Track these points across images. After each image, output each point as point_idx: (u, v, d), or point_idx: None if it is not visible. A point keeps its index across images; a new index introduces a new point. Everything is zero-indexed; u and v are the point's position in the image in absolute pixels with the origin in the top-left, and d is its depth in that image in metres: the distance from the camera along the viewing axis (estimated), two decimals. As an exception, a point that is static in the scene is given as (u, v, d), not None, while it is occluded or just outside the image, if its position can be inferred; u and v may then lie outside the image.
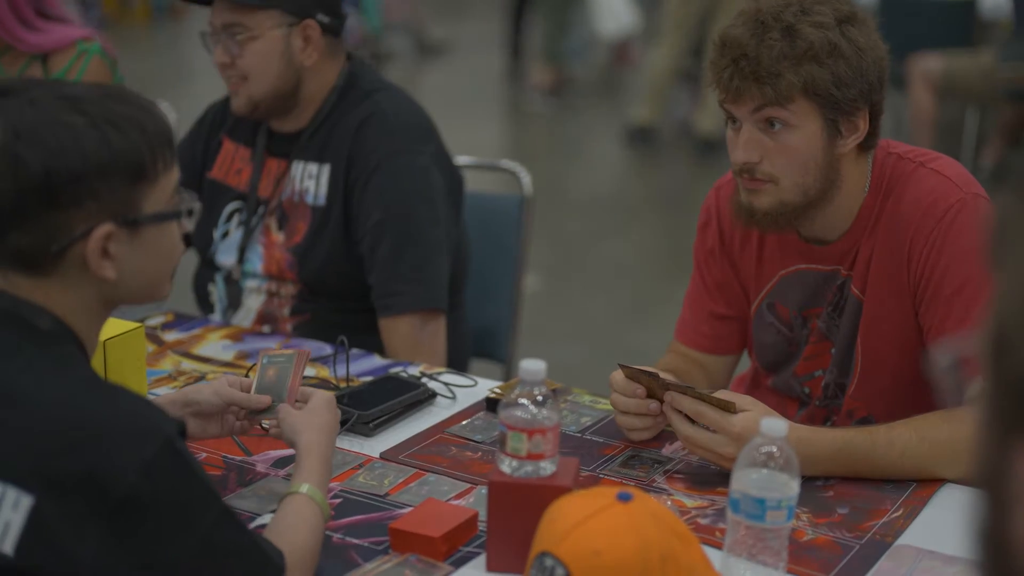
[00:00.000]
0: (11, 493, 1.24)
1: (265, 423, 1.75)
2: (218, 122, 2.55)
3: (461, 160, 2.93)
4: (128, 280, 1.35)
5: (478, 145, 7.72)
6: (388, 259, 2.34)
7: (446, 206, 2.41)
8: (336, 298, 2.40)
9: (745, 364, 2.17)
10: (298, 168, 2.42)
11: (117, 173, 1.30)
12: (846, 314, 1.92)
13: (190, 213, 1.41)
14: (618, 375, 1.83)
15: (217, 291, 2.51)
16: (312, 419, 1.63)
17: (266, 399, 1.71)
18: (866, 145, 1.86)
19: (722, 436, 1.70)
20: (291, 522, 1.49)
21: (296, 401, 1.70)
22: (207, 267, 2.53)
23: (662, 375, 1.79)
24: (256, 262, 2.45)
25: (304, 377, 2.13)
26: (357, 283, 2.39)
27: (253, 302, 2.46)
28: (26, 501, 1.23)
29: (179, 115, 3.27)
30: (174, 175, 1.38)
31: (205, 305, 2.53)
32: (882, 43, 1.81)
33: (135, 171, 1.32)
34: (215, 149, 2.54)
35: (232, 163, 2.51)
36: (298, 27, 2.32)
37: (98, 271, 1.31)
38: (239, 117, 2.45)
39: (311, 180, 2.40)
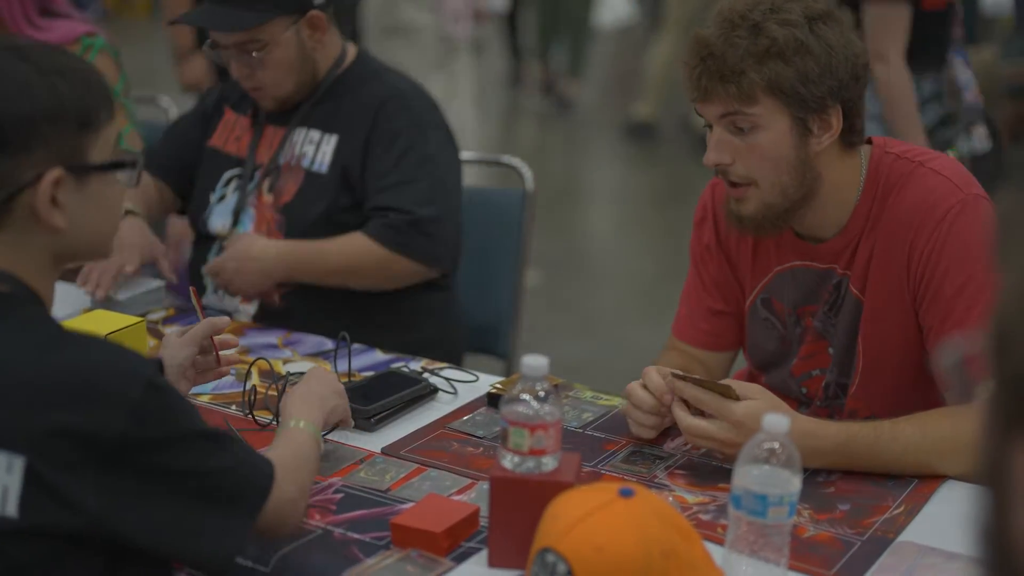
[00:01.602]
0: (2, 458, 1.25)
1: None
2: (223, 97, 2.63)
3: (463, 156, 2.93)
4: (77, 231, 1.36)
5: (480, 141, 7.70)
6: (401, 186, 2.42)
7: (456, 175, 2.53)
8: None
9: (742, 362, 2.17)
10: (300, 134, 2.49)
11: (65, 119, 1.32)
12: (844, 314, 1.92)
13: (134, 165, 1.42)
14: (652, 372, 1.81)
15: None
16: (297, 388, 1.70)
17: (225, 319, 1.85)
18: (849, 142, 1.85)
19: (722, 423, 1.70)
20: (283, 440, 1.58)
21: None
22: (202, 242, 2.57)
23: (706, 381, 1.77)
24: (247, 224, 2.50)
25: (304, 374, 2.14)
26: None
27: None
28: (19, 463, 1.25)
29: (180, 109, 3.27)
30: (114, 128, 1.40)
31: (199, 286, 2.55)
32: (857, 41, 1.81)
33: (82, 119, 1.34)
34: (216, 120, 2.61)
35: (232, 131, 2.58)
36: (303, 20, 2.38)
37: (48, 219, 1.32)
38: (245, 94, 2.54)
39: (311, 146, 2.47)
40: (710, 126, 1.83)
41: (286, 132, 2.50)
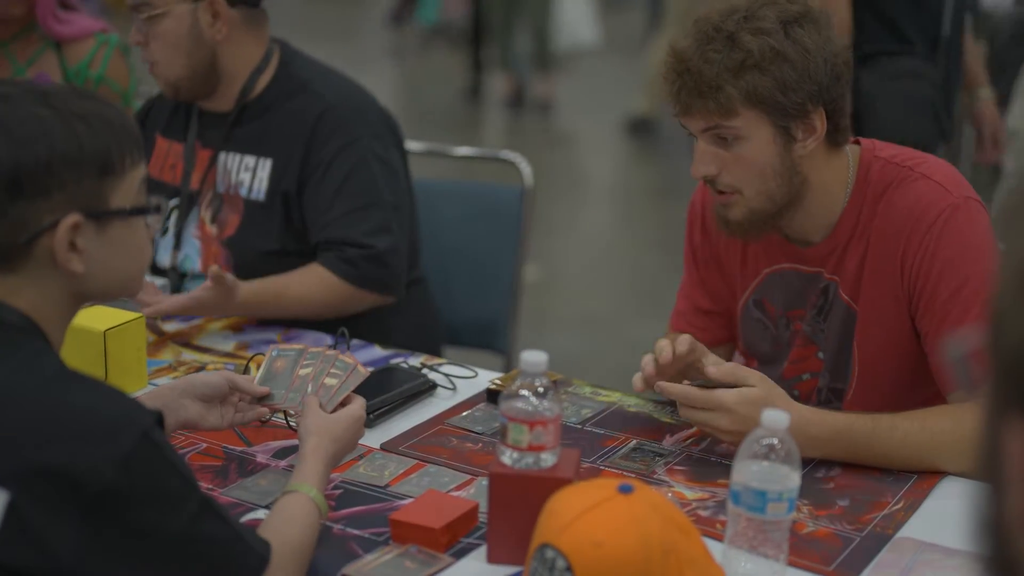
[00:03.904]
0: None
1: (269, 413, 1.75)
2: (152, 120, 2.53)
3: (462, 151, 2.93)
4: (97, 275, 1.35)
5: (479, 136, 7.71)
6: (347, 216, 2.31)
7: (404, 179, 2.42)
8: None
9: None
10: (234, 161, 2.38)
11: (84, 165, 1.31)
12: (833, 319, 1.92)
13: (157, 210, 1.41)
14: (684, 342, 1.77)
15: None
16: (332, 426, 1.62)
17: (265, 389, 1.73)
18: (835, 142, 1.84)
19: (716, 412, 1.71)
20: (287, 517, 1.48)
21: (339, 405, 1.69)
22: (153, 275, 2.47)
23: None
24: (194, 258, 2.42)
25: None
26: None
27: None
28: (1, 497, 1.22)
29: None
30: (140, 172, 1.38)
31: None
32: (836, 40, 1.80)
33: (102, 165, 1.32)
34: (150, 147, 2.50)
35: (166, 159, 2.48)
36: (205, 2, 2.29)
37: (65, 264, 1.31)
38: (171, 112, 2.45)
39: (247, 172, 2.37)
40: (695, 136, 1.82)
41: (212, 154, 2.39)
